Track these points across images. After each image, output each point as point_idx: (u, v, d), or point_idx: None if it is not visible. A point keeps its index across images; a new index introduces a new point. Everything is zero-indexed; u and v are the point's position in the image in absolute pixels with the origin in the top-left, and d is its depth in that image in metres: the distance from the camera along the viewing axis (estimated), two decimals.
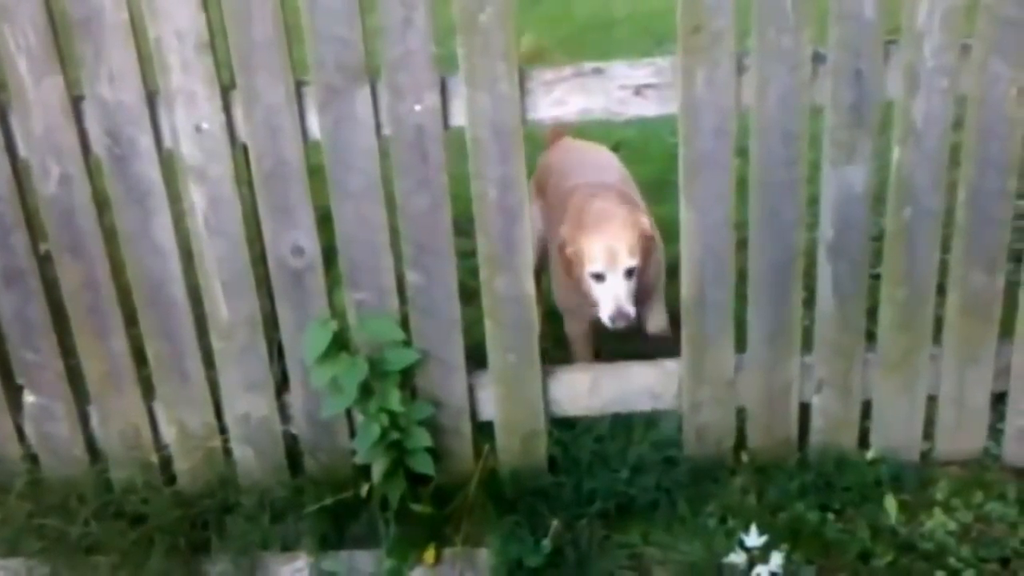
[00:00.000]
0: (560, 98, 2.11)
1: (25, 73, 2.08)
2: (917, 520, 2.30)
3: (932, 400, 2.38)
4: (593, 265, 2.39)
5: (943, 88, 2.05)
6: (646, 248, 2.44)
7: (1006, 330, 2.30)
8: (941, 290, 2.27)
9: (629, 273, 2.39)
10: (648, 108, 2.11)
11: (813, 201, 2.20)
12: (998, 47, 2.02)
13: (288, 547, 2.35)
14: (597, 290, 2.41)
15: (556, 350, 2.65)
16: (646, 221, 2.49)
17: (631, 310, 2.38)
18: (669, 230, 3.18)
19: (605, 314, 2.39)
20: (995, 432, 2.41)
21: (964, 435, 2.40)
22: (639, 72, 2.10)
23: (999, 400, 2.38)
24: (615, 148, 3.77)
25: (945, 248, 2.23)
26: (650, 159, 3.49)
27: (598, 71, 2.10)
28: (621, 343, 2.68)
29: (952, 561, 2.20)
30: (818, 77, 2.07)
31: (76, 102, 2.13)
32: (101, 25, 2.04)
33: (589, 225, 2.44)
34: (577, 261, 2.43)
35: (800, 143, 2.11)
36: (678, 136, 2.13)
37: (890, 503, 2.33)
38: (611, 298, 2.37)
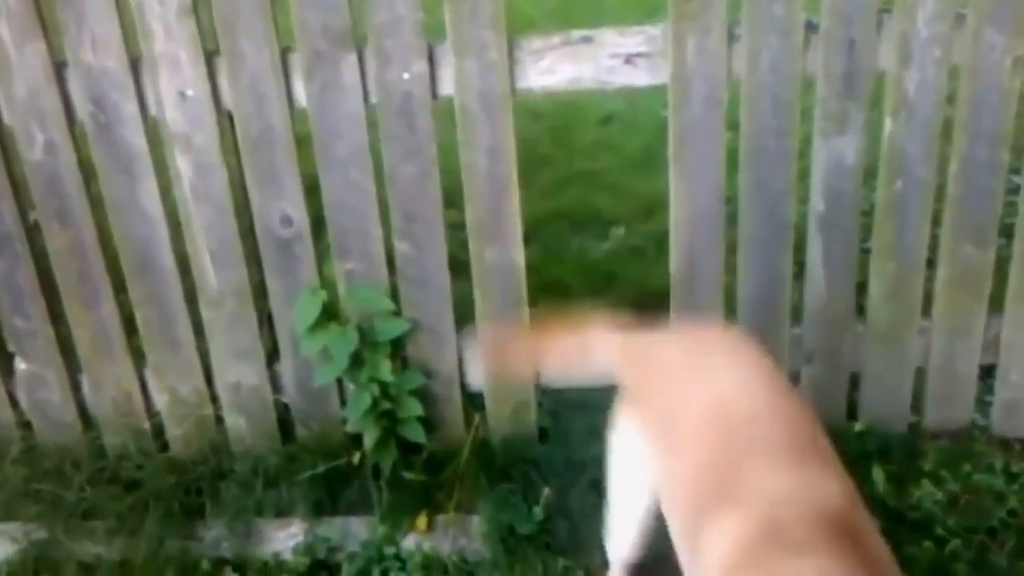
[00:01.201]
0: (549, 67, 2.05)
1: (7, 39, 2.03)
2: (905, 491, 2.26)
3: (921, 372, 2.33)
4: None
5: (936, 58, 1.98)
6: None
7: (996, 303, 2.25)
8: (931, 263, 2.22)
9: None
10: (638, 77, 2.05)
11: (805, 174, 2.14)
12: (992, 17, 1.95)
13: (282, 513, 2.33)
14: None
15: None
16: None
17: None
18: (654, 206, 3.12)
19: None
20: (983, 404, 2.37)
21: (952, 407, 2.36)
22: (630, 40, 2.03)
23: (988, 372, 2.34)
24: (605, 121, 3.71)
25: (936, 221, 2.17)
26: (641, 131, 3.43)
27: (588, 39, 2.03)
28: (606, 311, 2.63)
29: (939, 531, 2.17)
30: (810, 46, 2.00)
31: (59, 68, 2.08)
32: None
33: None
34: None
35: (791, 112, 2.05)
36: (665, 106, 2.06)
37: (878, 474, 2.29)
38: None
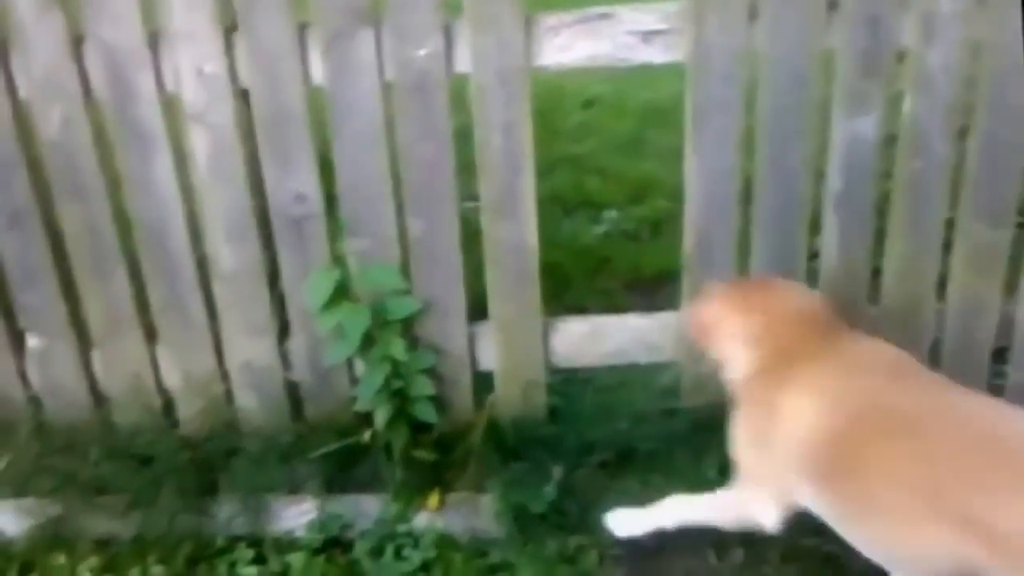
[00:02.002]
0: (566, 44, 2.02)
1: (25, 12, 1.99)
2: None
3: (934, 353, 2.30)
4: None
5: (959, 36, 1.95)
6: None
7: (1010, 285, 2.22)
8: (947, 243, 2.19)
9: None
10: (656, 54, 2.02)
11: (823, 152, 2.11)
12: None
13: (294, 490, 2.30)
14: None
15: (556, 301, 2.58)
16: None
17: None
18: (645, 189, 3.08)
19: None
20: (995, 387, 2.34)
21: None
22: (647, 17, 2.00)
23: (1000, 355, 2.31)
24: (587, 104, 3.69)
25: (952, 201, 2.14)
26: (625, 115, 3.40)
27: (605, 16, 2.00)
28: (609, 298, 2.61)
29: None
30: (831, 23, 1.97)
31: (77, 42, 2.04)
32: None
33: None
34: None
35: (811, 90, 2.02)
36: (685, 82, 2.03)
37: None
38: None
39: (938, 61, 1.97)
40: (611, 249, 3.06)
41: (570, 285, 2.87)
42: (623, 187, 3.25)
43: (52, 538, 2.24)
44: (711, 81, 2.01)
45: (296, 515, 2.26)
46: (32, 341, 2.37)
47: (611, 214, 3.20)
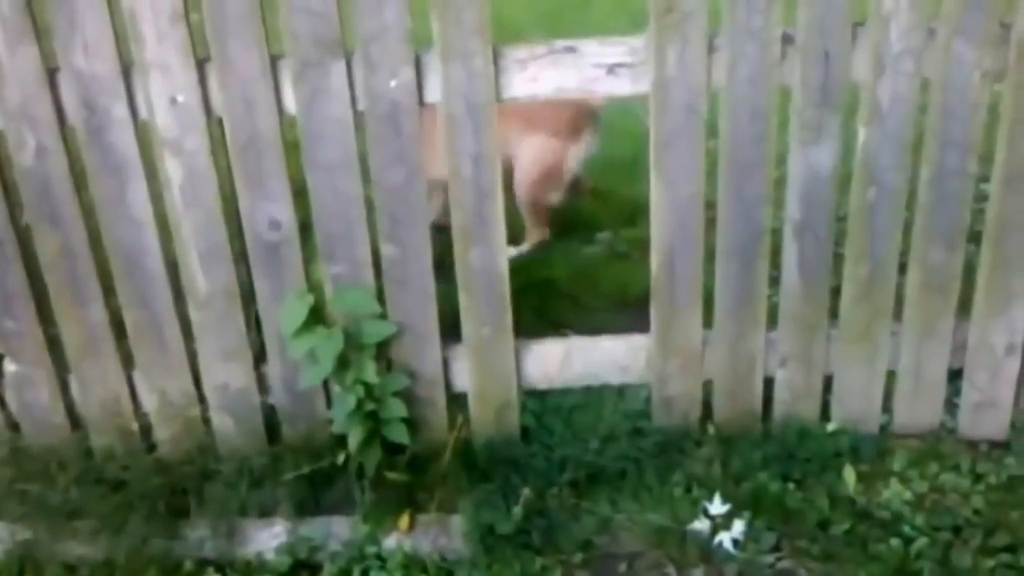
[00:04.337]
0: (534, 75, 2.03)
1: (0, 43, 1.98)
2: (874, 490, 2.25)
3: (891, 374, 2.33)
4: None
5: (909, 71, 1.98)
6: None
7: (964, 308, 2.25)
8: (902, 268, 2.21)
9: None
10: (621, 86, 2.04)
11: (782, 182, 2.13)
12: (962, 31, 1.95)
13: (266, 513, 2.28)
14: None
15: (530, 324, 2.58)
16: None
17: None
18: (639, 211, 3.09)
19: None
20: (951, 406, 2.37)
21: (921, 409, 2.36)
22: (612, 50, 2.02)
23: (956, 375, 2.33)
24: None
25: (907, 227, 2.16)
26: (624, 137, 3.41)
27: (571, 49, 2.01)
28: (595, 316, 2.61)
29: (907, 529, 2.16)
30: (787, 58, 1.99)
31: (51, 73, 2.03)
32: None
33: None
34: None
35: (768, 122, 2.04)
36: (648, 115, 2.05)
37: (849, 473, 2.29)
38: None
39: (889, 94, 2.00)
40: (602, 269, 3.07)
41: (558, 303, 2.89)
42: (619, 209, 3.26)
43: (22, 563, 2.21)
44: (673, 113, 2.03)
45: (267, 538, 2.24)
46: (9, 366, 2.34)
47: (605, 235, 3.22)
